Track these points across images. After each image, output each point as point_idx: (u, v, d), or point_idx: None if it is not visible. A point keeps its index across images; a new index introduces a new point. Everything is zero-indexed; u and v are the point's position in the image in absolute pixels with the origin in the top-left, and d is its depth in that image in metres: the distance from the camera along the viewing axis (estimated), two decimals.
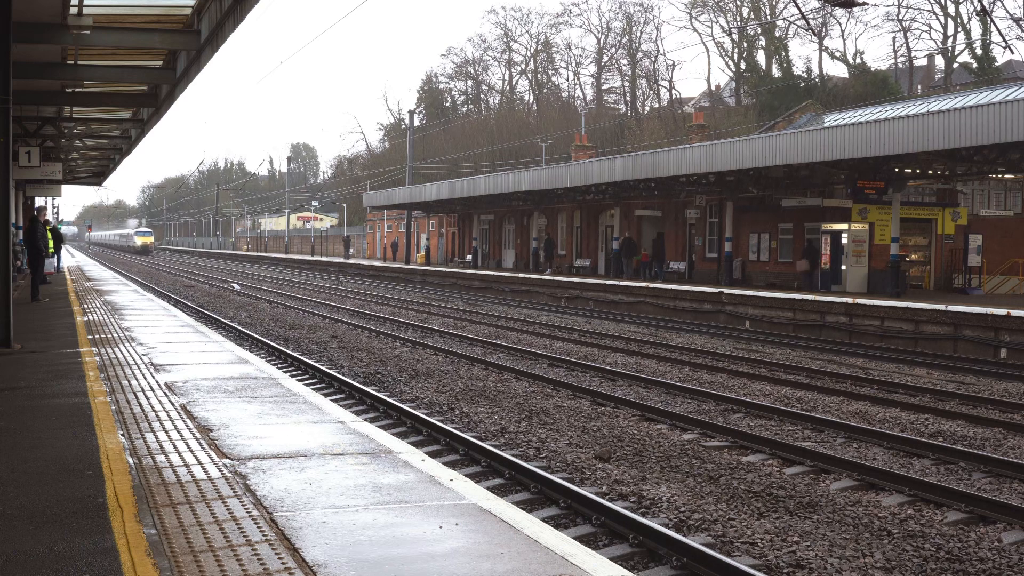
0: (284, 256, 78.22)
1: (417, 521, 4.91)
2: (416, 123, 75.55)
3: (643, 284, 31.51)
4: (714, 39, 65.18)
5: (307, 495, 5.36)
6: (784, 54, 61.13)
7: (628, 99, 73.62)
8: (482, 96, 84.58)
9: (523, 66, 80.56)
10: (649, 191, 36.16)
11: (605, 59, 74.44)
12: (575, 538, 5.79)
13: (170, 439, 6.77)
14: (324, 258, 71.44)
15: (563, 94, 78.59)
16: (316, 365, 15.40)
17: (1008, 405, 12.93)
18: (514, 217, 50.97)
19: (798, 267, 30.43)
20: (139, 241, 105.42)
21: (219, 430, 7.10)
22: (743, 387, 14.16)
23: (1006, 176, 30.89)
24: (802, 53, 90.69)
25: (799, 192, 31.55)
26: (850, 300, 23.47)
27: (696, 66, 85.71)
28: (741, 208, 33.88)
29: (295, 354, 16.83)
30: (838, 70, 62.47)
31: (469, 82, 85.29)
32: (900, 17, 57.97)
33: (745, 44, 62.85)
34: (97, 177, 40.60)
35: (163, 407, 8.01)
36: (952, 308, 20.66)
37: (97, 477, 5.69)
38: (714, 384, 14.40)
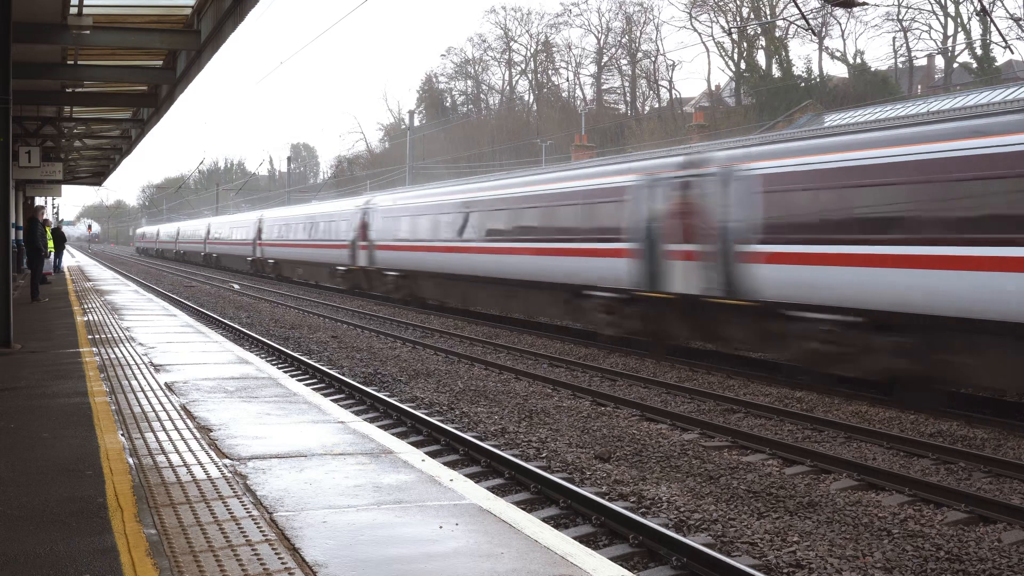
0: None
1: (417, 521, 4.91)
2: (416, 123, 75.58)
3: None
4: (714, 39, 65.16)
5: (307, 495, 5.36)
6: (784, 54, 61.09)
7: (628, 99, 73.62)
8: (482, 96, 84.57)
9: (523, 66, 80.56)
10: None
11: (605, 59, 74.43)
12: (575, 538, 5.79)
13: (170, 439, 6.77)
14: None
15: (563, 94, 78.59)
16: (316, 365, 15.40)
17: (1008, 405, 12.92)
18: None
19: None
20: None
21: (219, 430, 7.10)
22: (743, 387, 14.15)
23: None
24: (802, 53, 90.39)
25: None
26: None
27: (696, 66, 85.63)
28: None
29: (295, 354, 16.83)
30: (838, 70, 62.51)
31: (469, 82, 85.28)
32: (900, 17, 57.95)
33: (745, 44, 62.83)
34: (97, 177, 40.60)
35: (163, 407, 8.01)
36: None
37: (97, 477, 5.69)
38: (714, 384, 14.40)
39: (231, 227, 56.04)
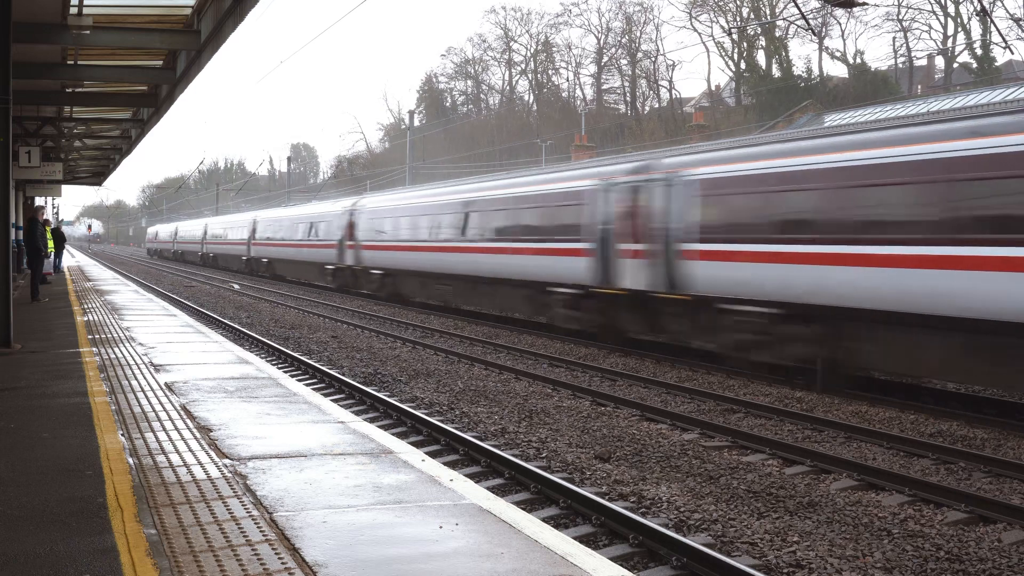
0: None
1: (417, 521, 4.91)
2: (416, 123, 75.57)
3: None
4: (714, 39, 65.19)
5: (307, 495, 5.36)
6: (784, 54, 61.11)
7: (628, 99, 73.62)
8: (482, 96, 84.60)
9: (523, 66, 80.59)
10: None
11: (605, 59, 74.45)
12: (575, 538, 5.79)
13: (170, 439, 6.77)
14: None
15: (563, 94, 78.60)
16: (316, 365, 15.40)
17: (1008, 405, 12.92)
18: None
19: None
20: None
21: (219, 430, 7.10)
22: (743, 387, 14.15)
23: None
24: (802, 53, 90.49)
25: None
26: None
27: (696, 66, 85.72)
28: None
29: (295, 354, 16.83)
30: (838, 70, 62.52)
31: (469, 82, 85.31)
32: (900, 17, 57.98)
33: (745, 44, 62.85)
34: (97, 177, 40.61)
35: (163, 407, 8.01)
36: None
37: (97, 477, 5.69)
38: (714, 384, 14.40)
39: (312, 221, 38.59)
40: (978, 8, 41.71)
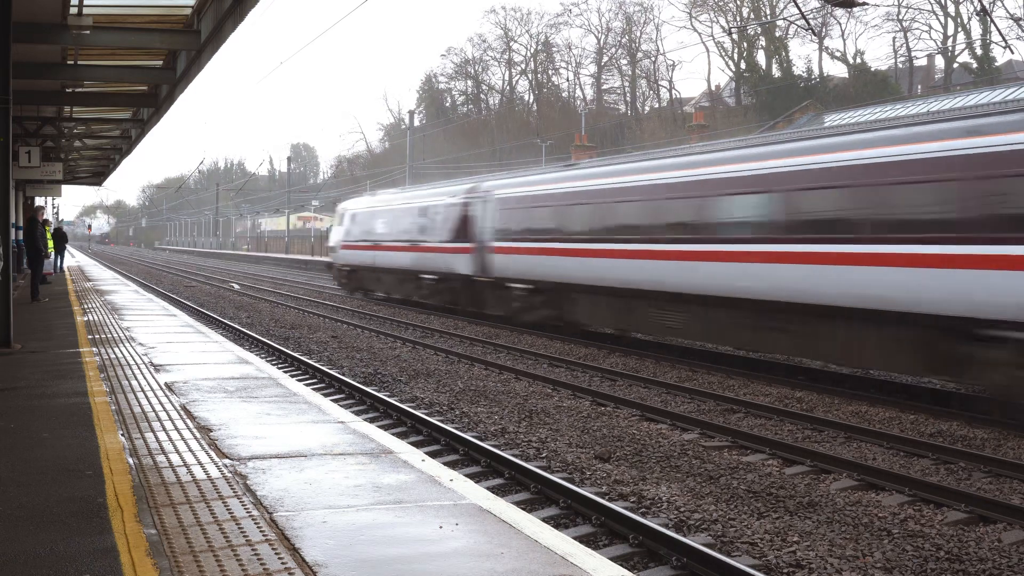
0: (284, 256, 78.06)
1: (417, 521, 4.92)
2: (416, 123, 75.59)
3: None
4: (714, 39, 65.18)
5: (307, 495, 5.36)
6: (784, 54, 61.13)
7: (628, 99, 73.64)
8: (482, 96, 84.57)
9: (523, 66, 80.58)
10: None
11: (605, 59, 74.49)
12: (575, 538, 5.79)
13: (170, 439, 6.77)
14: (324, 258, 71.21)
15: (563, 94, 78.61)
16: (316, 365, 15.40)
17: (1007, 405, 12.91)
18: None
19: None
20: None
21: (219, 430, 7.10)
22: (743, 387, 14.15)
23: None
24: (802, 53, 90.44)
25: None
26: None
27: (696, 66, 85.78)
28: None
29: (295, 354, 16.82)
30: (838, 70, 62.54)
31: (469, 82, 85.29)
32: (900, 17, 58.00)
33: (745, 44, 62.86)
34: (97, 177, 40.60)
35: (163, 407, 8.01)
36: None
37: (97, 477, 5.69)
38: (714, 384, 14.40)
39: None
40: (978, 8, 41.68)
